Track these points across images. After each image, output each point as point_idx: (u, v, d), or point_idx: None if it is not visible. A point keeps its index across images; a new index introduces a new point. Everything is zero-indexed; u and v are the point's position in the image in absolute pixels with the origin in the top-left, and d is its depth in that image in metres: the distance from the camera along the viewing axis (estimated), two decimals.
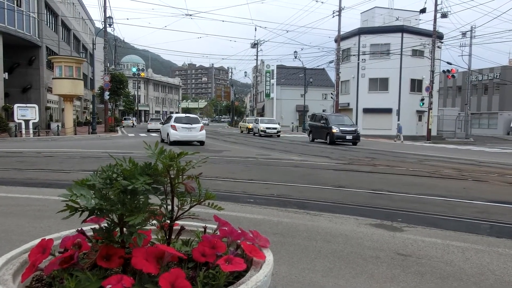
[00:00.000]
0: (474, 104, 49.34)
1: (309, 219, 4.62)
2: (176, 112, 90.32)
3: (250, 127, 34.14)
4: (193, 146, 17.32)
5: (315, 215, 4.84)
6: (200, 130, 17.67)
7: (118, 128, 37.97)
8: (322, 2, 37.56)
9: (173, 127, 17.27)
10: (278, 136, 29.05)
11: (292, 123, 50.24)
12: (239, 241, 1.27)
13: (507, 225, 4.71)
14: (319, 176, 8.62)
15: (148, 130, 35.33)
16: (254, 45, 53.32)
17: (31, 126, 21.72)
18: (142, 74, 55.27)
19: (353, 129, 21.69)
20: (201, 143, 17.98)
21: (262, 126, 29.71)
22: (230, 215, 4.51)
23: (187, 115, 19.39)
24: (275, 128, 29.39)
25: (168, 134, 17.53)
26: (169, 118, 18.96)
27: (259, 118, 35.05)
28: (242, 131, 37.56)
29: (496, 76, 48.38)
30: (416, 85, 37.26)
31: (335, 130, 21.02)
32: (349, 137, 21.00)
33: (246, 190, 6.54)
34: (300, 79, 49.98)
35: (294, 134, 35.18)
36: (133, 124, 51.35)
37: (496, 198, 6.48)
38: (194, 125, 17.62)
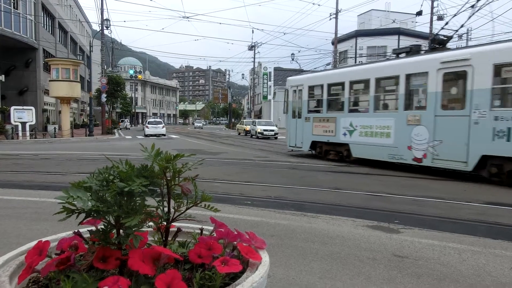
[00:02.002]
0: None
1: (306, 221, 4.63)
2: (174, 115, 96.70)
3: (248, 129, 34.12)
4: (162, 139, 25.87)
5: (313, 217, 4.85)
6: (162, 128, 30.43)
7: (115, 130, 37.92)
8: (319, 5, 37.76)
9: (147, 127, 30.78)
10: (276, 138, 29.04)
11: None
12: (235, 242, 1.28)
13: (504, 227, 4.73)
14: (317, 178, 8.63)
15: None
16: (252, 47, 53.26)
17: (27, 128, 21.66)
18: (139, 76, 55.30)
19: None
20: (163, 135, 29.77)
21: (259, 128, 29.70)
22: (227, 217, 4.51)
23: (155, 119, 36.03)
24: (273, 130, 29.38)
25: (144, 130, 31.27)
26: (145, 122, 34.23)
27: (257, 120, 34.98)
28: (239, 133, 37.53)
29: None
30: None
31: None
32: None
33: (243, 192, 6.54)
34: None
35: None
36: (127, 126, 51.30)
37: (492, 199, 6.51)
38: (158, 125, 30.72)
